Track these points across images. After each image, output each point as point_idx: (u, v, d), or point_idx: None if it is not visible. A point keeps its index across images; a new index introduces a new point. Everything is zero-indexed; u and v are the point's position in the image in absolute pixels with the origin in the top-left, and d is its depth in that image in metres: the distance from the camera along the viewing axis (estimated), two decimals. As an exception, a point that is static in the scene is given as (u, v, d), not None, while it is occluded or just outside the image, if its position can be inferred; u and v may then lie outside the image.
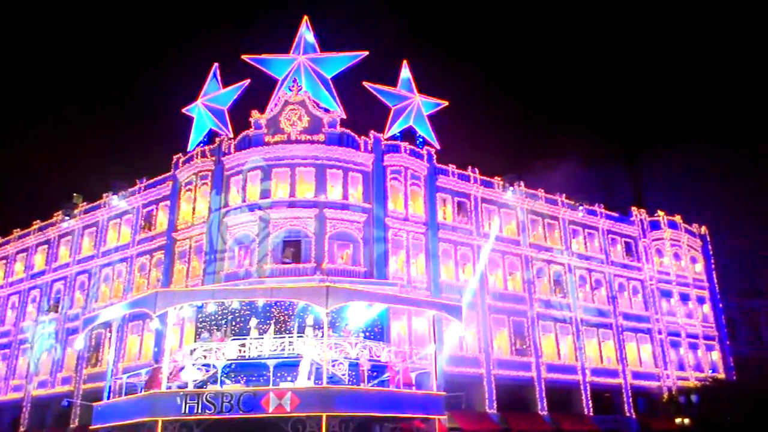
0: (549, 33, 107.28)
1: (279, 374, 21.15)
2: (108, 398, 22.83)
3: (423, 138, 37.53)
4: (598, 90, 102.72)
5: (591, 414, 36.77)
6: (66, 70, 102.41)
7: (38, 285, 41.97)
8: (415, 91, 38.36)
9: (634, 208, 45.42)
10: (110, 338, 33.30)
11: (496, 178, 38.90)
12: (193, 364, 21.06)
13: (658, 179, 64.19)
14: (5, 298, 43.84)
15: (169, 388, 20.27)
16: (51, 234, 42.69)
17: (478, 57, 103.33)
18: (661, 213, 46.12)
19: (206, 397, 19.36)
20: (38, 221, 44.18)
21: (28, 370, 39.50)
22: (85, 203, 41.77)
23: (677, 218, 46.77)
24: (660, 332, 42.42)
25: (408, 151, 35.67)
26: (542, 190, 40.66)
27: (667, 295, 44.24)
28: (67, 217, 41.52)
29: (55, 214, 42.77)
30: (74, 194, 43.58)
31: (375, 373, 22.24)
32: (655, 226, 45.45)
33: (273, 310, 24.43)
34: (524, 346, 36.26)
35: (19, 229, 45.35)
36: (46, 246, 42.80)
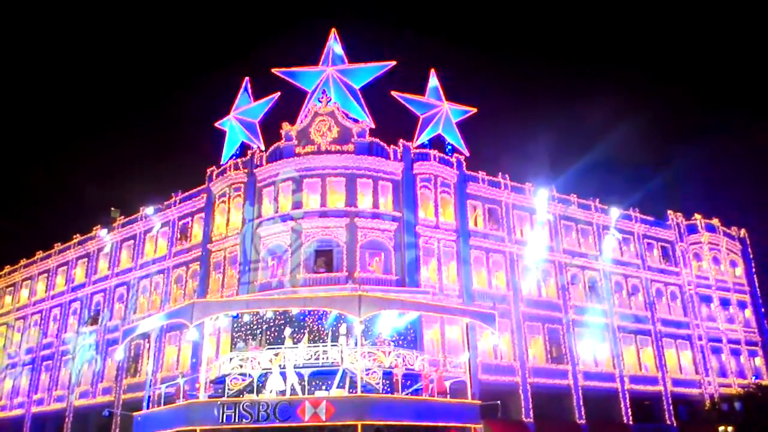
0: (578, 35, 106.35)
1: (314, 383, 21.34)
2: (147, 408, 23.27)
3: (452, 145, 37.49)
4: (632, 93, 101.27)
5: (630, 422, 36.05)
6: (104, 87, 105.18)
7: (79, 297, 42.98)
8: (443, 98, 38.34)
9: (670, 212, 44.52)
10: (149, 349, 34.00)
11: (527, 184, 38.65)
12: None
13: (694, 182, 62.91)
14: (47, 310, 45.04)
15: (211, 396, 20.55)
16: (90, 247, 43.76)
17: (506, 63, 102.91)
18: (698, 216, 45.17)
19: (243, 407, 19.63)
20: (78, 235, 45.34)
21: (70, 380, 40.40)
22: (122, 217, 42.75)
23: (715, 221, 45.75)
24: (700, 338, 41.44)
25: (437, 159, 35.66)
26: (575, 196, 40.23)
27: (706, 300, 43.25)
28: (105, 231, 42.58)
29: (94, 228, 43.88)
30: (112, 208, 44.64)
31: (409, 382, 22.27)
32: (692, 229, 44.54)
33: (307, 319, 24.75)
34: (560, 354, 35.81)
35: (59, 243, 46.61)
36: (86, 259, 43.89)
